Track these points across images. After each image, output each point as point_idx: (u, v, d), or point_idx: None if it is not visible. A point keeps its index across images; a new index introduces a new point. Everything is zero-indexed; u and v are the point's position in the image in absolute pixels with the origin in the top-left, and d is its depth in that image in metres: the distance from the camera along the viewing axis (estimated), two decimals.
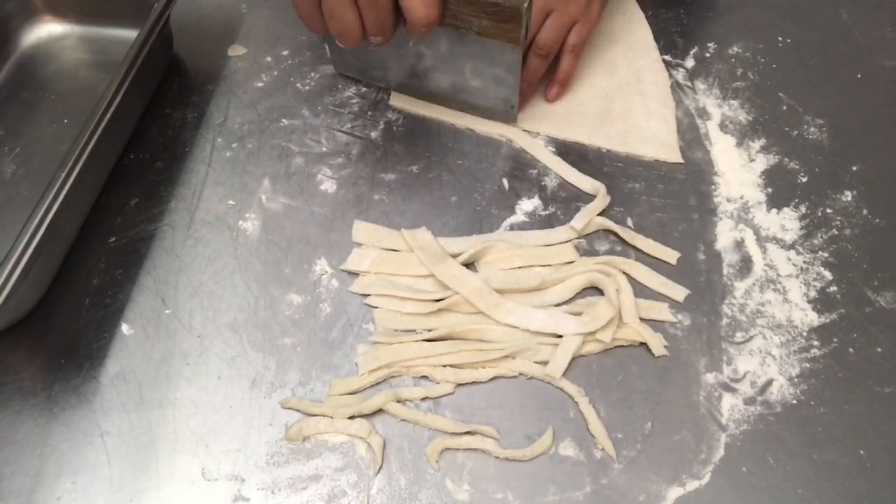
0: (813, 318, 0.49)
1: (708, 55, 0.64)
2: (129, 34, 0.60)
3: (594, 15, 0.58)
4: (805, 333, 0.48)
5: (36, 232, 0.44)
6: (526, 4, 0.48)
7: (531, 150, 0.57)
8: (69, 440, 0.44)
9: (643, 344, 0.47)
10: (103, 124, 0.49)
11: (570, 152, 0.57)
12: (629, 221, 0.53)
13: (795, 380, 0.46)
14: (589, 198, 0.54)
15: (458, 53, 0.53)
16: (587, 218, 0.52)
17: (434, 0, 0.45)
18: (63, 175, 0.46)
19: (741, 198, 0.55)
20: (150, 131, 0.58)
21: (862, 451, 0.44)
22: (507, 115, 0.58)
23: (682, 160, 0.56)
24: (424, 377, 0.46)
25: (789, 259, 0.51)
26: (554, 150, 0.57)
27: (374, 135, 0.58)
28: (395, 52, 0.56)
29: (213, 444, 0.44)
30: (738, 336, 0.48)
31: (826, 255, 0.52)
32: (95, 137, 0.48)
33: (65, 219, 0.47)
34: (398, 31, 0.48)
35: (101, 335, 0.48)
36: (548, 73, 0.58)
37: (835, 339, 0.48)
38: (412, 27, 0.46)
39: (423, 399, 0.45)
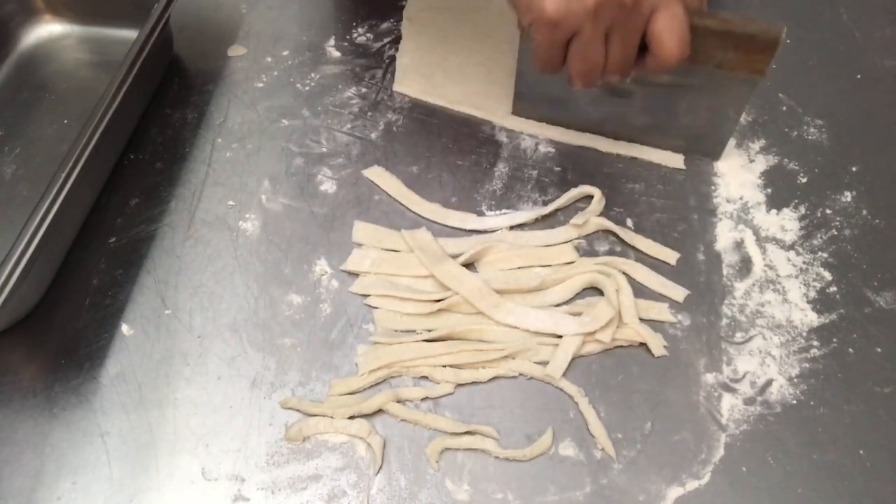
0: (813, 319, 0.49)
1: None
2: (130, 34, 0.60)
3: None
4: (805, 334, 0.48)
5: (36, 232, 0.43)
6: (784, 33, 0.45)
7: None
8: (69, 440, 0.44)
9: (643, 344, 0.47)
10: (103, 124, 0.49)
11: (571, 153, 0.57)
12: (629, 222, 0.53)
13: (795, 380, 0.46)
14: (589, 200, 0.54)
15: (679, 89, 0.50)
16: (587, 216, 0.52)
17: (687, 35, 0.41)
18: (63, 175, 0.46)
19: (741, 198, 0.55)
20: (150, 131, 0.58)
21: (862, 451, 0.44)
22: (712, 151, 0.55)
23: (683, 166, 0.56)
24: (424, 377, 0.46)
25: (789, 259, 0.51)
26: (553, 150, 0.57)
27: (374, 135, 0.58)
28: (602, 92, 0.52)
29: (213, 444, 0.44)
30: (738, 336, 0.48)
31: (826, 255, 0.52)
32: (95, 138, 0.48)
33: (65, 219, 0.47)
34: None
35: (101, 335, 0.48)
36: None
37: (834, 340, 0.48)
38: (658, 64, 0.43)
39: (423, 399, 0.45)
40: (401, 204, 0.54)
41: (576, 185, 0.54)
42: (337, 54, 0.64)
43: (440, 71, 0.61)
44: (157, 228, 0.53)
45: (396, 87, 0.61)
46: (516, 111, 0.58)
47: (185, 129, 0.58)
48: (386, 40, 0.65)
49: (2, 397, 0.45)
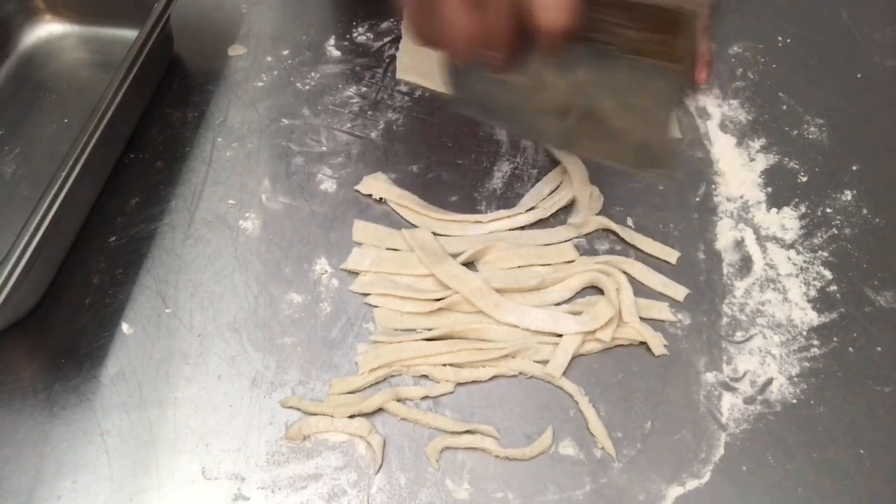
0: (813, 318, 0.49)
1: None
2: (130, 34, 0.60)
3: None
4: (805, 333, 0.48)
5: (36, 231, 0.44)
6: (701, 14, 0.39)
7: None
8: (69, 439, 0.44)
9: (643, 343, 0.47)
10: (103, 124, 0.49)
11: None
12: (629, 221, 0.53)
13: (795, 379, 0.46)
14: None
15: (604, 86, 0.42)
16: (584, 215, 0.52)
17: (569, 3, 0.35)
18: (63, 175, 0.46)
19: (741, 197, 0.55)
20: (150, 131, 0.58)
21: (862, 451, 0.44)
22: (660, 161, 0.45)
23: (679, 135, 0.57)
24: (424, 376, 0.46)
25: (789, 258, 0.51)
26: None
27: (374, 135, 0.58)
28: (523, 85, 0.44)
29: (213, 443, 0.44)
30: (738, 335, 0.48)
31: (826, 254, 0.52)
32: (96, 137, 0.48)
33: (65, 218, 0.47)
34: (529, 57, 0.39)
35: (102, 334, 0.48)
36: None
37: (835, 339, 0.48)
38: (539, 38, 0.37)
39: (423, 398, 0.45)
40: (398, 215, 0.53)
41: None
42: (337, 54, 0.64)
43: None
44: (158, 228, 0.53)
45: (399, 75, 0.61)
46: (454, 105, 0.48)
47: (185, 129, 0.58)
48: (386, 40, 0.65)
49: (2, 396, 0.45)
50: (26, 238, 0.43)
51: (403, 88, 0.61)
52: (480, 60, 0.39)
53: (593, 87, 0.43)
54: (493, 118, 0.52)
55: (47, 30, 0.63)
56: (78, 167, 0.46)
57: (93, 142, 0.48)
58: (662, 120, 0.43)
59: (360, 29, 0.65)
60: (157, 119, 0.59)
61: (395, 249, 0.52)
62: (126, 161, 0.56)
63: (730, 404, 0.45)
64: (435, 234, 0.52)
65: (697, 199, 0.54)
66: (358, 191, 0.55)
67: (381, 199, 0.54)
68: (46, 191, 0.45)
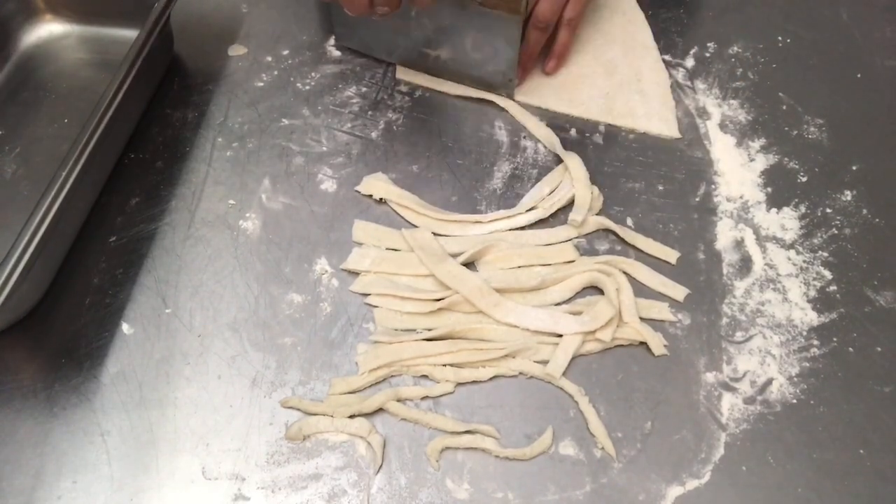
0: (813, 318, 0.49)
1: (708, 55, 0.64)
2: (130, 34, 0.60)
3: None
4: (805, 333, 0.48)
5: (36, 231, 0.44)
6: None
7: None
8: (70, 439, 0.44)
9: (643, 343, 0.47)
10: (104, 124, 0.49)
11: (569, 147, 0.57)
12: (629, 221, 0.53)
13: (795, 379, 0.46)
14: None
15: (460, 25, 0.55)
16: (584, 214, 0.52)
17: None
18: (63, 175, 0.46)
19: (741, 197, 0.55)
20: (150, 131, 0.58)
21: (862, 451, 0.44)
22: (507, 88, 0.59)
23: (679, 134, 0.58)
24: (424, 376, 0.46)
25: (789, 258, 0.51)
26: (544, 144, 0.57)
27: (374, 134, 0.58)
28: (398, 24, 0.57)
29: (213, 443, 0.44)
30: (738, 335, 0.48)
31: (826, 254, 0.52)
32: (96, 137, 0.48)
33: (65, 218, 0.47)
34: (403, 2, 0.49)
35: (102, 334, 0.48)
36: (545, 49, 0.59)
37: (834, 339, 0.48)
38: None
39: (423, 398, 0.45)
40: (399, 215, 0.53)
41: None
42: (337, 54, 0.64)
43: None
44: (158, 228, 0.53)
45: (399, 75, 0.61)
46: (340, 40, 0.63)
47: (185, 129, 0.58)
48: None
49: (2, 396, 0.45)
50: (26, 238, 0.43)
51: (403, 88, 0.61)
52: (371, 13, 0.48)
53: (452, 29, 0.56)
54: (373, 52, 0.62)
55: (48, 30, 0.63)
56: (78, 167, 0.46)
57: (93, 142, 0.48)
58: (510, 55, 0.56)
59: None
60: (157, 119, 0.59)
61: (396, 249, 0.52)
62: (126, 161, 0.56)
63: (730, 404, 0.45)
64: (435, 234, 0.52)
65: (697, 200, 0.54)
66: (358, 191, 0.55)
67: (381, 199, 0.54)
68: (46, 191, 0.45)
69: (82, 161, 0.47)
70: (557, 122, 0.59)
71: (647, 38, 0.64)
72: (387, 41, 0.60)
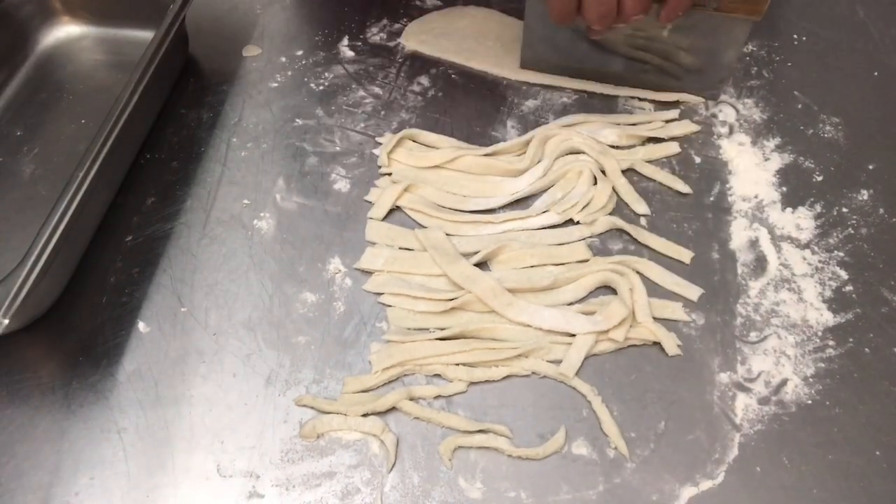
0: (828, 318, 0.48)
1: None
2: (146, 35, 0.60)
3: None
4: (820, 333, 0.48)
5: (54, 231, 0.44)
6: None
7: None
8: (87, 436, 0.44)
9: (657, 343, 0.47)
10: (120, 124, 0.49)
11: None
12: (642, 220, 0.53)
13: (810, 380, 0.46)
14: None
15: (680, 32, 0.54)
16: (595, 214, 0.52)
17: None
18: (81, 175, 0.46)
19: (756, 196, 0.54)
20: (165, 131, 0.59)
21: (878, 452, 0.43)
22: (715, 89, 0.58)
23: (703, 99, 0.59)
24: (437, 375, 0.46)
25: (804, 258, 0.51)
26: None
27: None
28: (607, 38, 0.56)
29: (228, 440, 0.44)
30: (753, 336, 0.48)
31: (842, 254, 0.51)
32: (113, 137, 0.49)
33: (82, 218, 0.47)
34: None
35: (118, 333, 0.48)
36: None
37: (850, 339, 0.47)
38: (673, 8, 0.48)
39: (436, 397, 0.46)
40: (411, 219, 0.54)
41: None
42: (350, 54, 0.64)
43: (450, 30, 0.65)
44: (173, 227, 0.53)
45: (403, 40, 0.63)
46: (524, 64, 0.61)
47: (200, 129, 0.59)
48: (399, 40, 0.65)
49: (21, 394, 0.46)
50: (45, 237, 0.44)
51: (416, 88, 0.61)
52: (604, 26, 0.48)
53: (669, 36, 0.54)
54: (561, 71, 0.61)
55: (65, 31, 0.64)
56: (95, 167, 0.47)
57: (110, 142, 0.48)
58: (732, 56, 0.54)
59: (373, 29, 0.66)
60: (172, 119, 0.59)
61: (409, 249, 0.52)
62: (142, 161, 0.57)
63: (744, 405, 0.45)
64: (447, 234, 0.52)
65: (712, 199, 0.54)
66: (379, 176, 0.55)
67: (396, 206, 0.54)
68: (64, 191, 0.45)
69: (99, 161, 0.47)
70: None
71: None
72: (583, 57, 0.58)
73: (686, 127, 0.58)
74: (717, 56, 0.55)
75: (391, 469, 0.43)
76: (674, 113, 0.58)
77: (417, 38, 0.65)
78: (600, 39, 0.56)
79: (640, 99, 0.60)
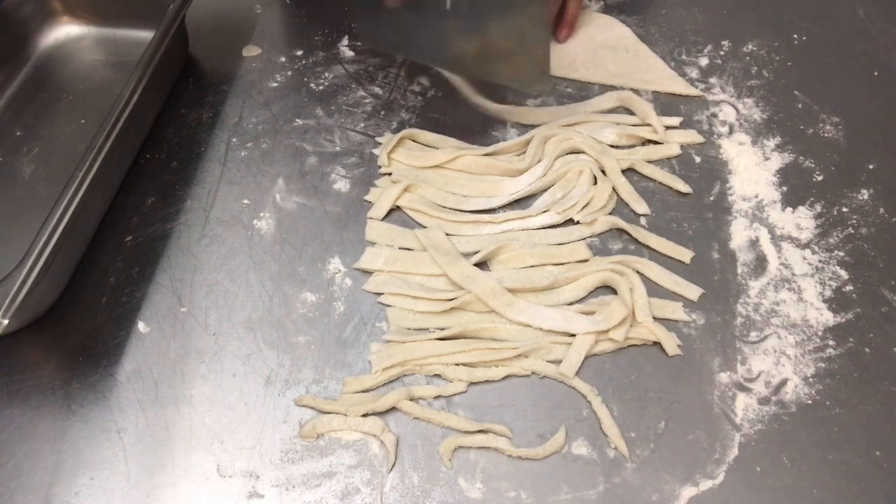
0: (828, 318, 0.48)
1: (722, 53, 0.63)
2: (146, 35, 0.60)
3: None
4: (820, 333, 0.48)
5: (54, 231, 0.44)
6: None
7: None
8: (87, 436, 0.44)
9: (657, 343, 0.47)
10: (120, 124, 0.49)
11: None
12: (642, 220, 0.53)
13: (810, 379, 0.46)
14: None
15: (486, 9, 0.52)
16: (595, 214, 0.52)
17: None
18: (81, 175, 0.46)
19: (756, 196, 0.54)
20: (165, 131, 0.59)
21: (878, 452, 0.43)
22: (541, 80, 0.55)
23: (699, 91, 0.60)
24: (437, 375, 0.46)
25: (804, 258, 0.51)
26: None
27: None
28: (424, 17, 0.55)
29: (228, 440, 0.44)
30: (753, 335, 0.48)
31: (842, 254, 0.51)
32: (112, 137, 0.49)
33: (82, 218, 0.47)
34: None
35: (118, 333, 0.48)
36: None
37: (850, 339, 0.47)
38: None
39: (436, 397, 0.45)
40: (412, 219, 0.54)
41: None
42: (350, 54, 0.64)
43: None
44: (173, 227, 0.53)
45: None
46: (365, 39, 0.63)
47: (200, 129, 0.59)
48: None
49: (21, 394, 0.46)
50: (45, 237, 0.44)
51: (416, 88, 0.61)
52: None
53: (479, 18, 0.53)
54: (398, 51, 0.62)
55: (65, 31, 0.64)
56: (95, 167, 0.47)
57: (109, 142, 0.48)
58: (542, 41, 0.52)
59: None
60: (172, 119, 0.59)
61: (408, 249, 0.52)
62: (142, 161, 0.57)
63: (744, 405, 0.45)
64: (447, 234, 0.52)
65: (711, 199, 0.54)
66: (379, 174, 0.55)
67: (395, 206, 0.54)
68: (64, 191, 0.45)
69: (99, 161, 0.47)
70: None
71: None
72: (413, 38, 0.57)
73: (689, 136, 0.57)
74: (529, 39, 0.52)
75: (391, 469, 0.43)
76: (675, 120, 0.58)
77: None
78: (424, 21, 0.55)
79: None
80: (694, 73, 0.62)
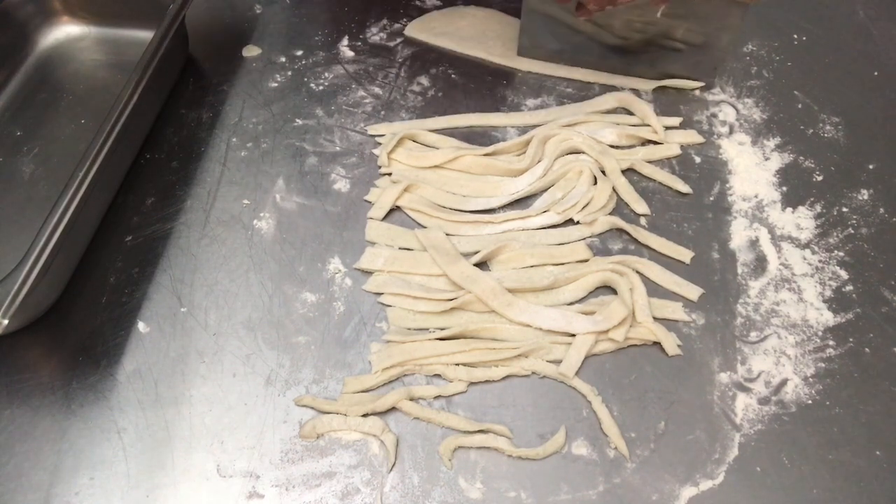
0: (828, 318, 0.48)
1: None
2: (146, 35, 0.60)
3: None
4: (820, 333, 0.48)
5: (54, 231, 0.44)
6: None
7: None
8: (87, 436, 0.44)
9: (657, 343, 0.47)
10: (120, 124, 0.49)
11: None
12: (642, 220, 0.53)
13: (810, 380, 0.46)
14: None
15: (675, 17, 0.54)
16: (595, 214, 0.52)
17: None
18: (81, 175, 0.46)
19: (756, 196, 0.54)
20: (165, 131, 0.59)
21: (878, 452, 0.43)
22: (709, 76, 0.59)
23: (702, 83, 0.60)
24: (437, 375, 0.46)
25: (804, 258, 0.51)
26: None
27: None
28: (601, 24, 0.57)
29: (228, 440, 0.44)
30: (753, 335, 0.48)
31: (842, 254, 0.51)
32: (112, 137, 0.49)
33: (82, 218, 0.47)
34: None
35: (118, 333, 0.48)
36: None
37: (850, 339, 0.47)
38: None
39: (436, 397, 0.45)
40: (412, 219, 0.54)
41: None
42: (350, 54, 0.64)
43: (450, 29, 0.66)
44: (173, 227, 0.53)
45: (408, 32, 0.65)
46: (521, 51, 0.63)
47: (200, 129, 0.59)
48: (399, 40, 0.65)
49: (21, 394, 0.46)
50: (45, 237, 0.44)
51: (416, 88, 0.61)
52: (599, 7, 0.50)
53: (663, 22, 0.55)
54: (559, 60, 0.62)
55: (64, 31, 0.64)
56: (95, 167, 0.47)
57: (109, 142, 0.48)
58: (725, 40, 0.55)
59: (373, 29, 0.66)
60: (172, 119, 0.59)
61: (408, 249, 0.52)
62: (142, 161, 0.57)
63: (744, 405, 0.45)
64: (447, 234, 0.52)
65: (711, 199, 0.54)
66: (379, 175, 0.55)
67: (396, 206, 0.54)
68: (64, 191, 0.45)
69: (99, 161, 0.47)
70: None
71: None
72: (579, 46, 0.60)
73: (689, 136, 0.57)
74: (712, 41, 0.56)
75: (391, 469, 0.43)
76: (675, 120, 0.58)
77: (417, 37, 0.65)
78: (596, 26, 0.57)
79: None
80: None
